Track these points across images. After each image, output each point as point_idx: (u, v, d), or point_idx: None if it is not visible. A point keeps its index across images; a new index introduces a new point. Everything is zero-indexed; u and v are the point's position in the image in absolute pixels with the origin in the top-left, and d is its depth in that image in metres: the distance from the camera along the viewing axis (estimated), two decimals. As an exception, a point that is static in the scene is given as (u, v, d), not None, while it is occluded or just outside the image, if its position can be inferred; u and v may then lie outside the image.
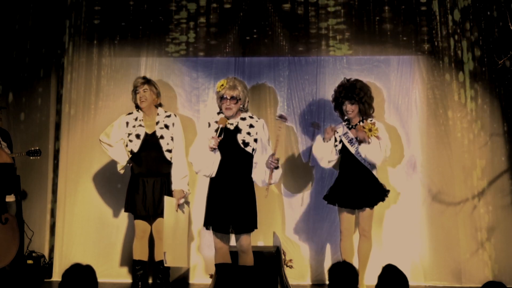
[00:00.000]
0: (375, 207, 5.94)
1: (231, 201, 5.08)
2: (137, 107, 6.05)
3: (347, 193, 5.88)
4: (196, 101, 6.82)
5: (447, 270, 6.47)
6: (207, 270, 6.49)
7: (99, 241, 6.69)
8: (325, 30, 6.77)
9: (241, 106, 5.19)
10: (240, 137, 5.14)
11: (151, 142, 5.94)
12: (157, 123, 5.99)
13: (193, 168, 5.24)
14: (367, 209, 5.88)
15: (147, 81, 6.05)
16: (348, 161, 5.94)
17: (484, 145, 6.58)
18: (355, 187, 5.86)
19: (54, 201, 6.91)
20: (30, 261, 6.59)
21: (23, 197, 6.57)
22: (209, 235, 5.65)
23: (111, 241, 6.69)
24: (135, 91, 6.02)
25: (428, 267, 6.50)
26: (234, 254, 5.22)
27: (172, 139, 5.96)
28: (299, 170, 6.67)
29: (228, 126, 5.16)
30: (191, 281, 6.61)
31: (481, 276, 6.35)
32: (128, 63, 6.90)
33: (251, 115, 5.27)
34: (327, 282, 6.41)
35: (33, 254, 6.72)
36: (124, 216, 6.60)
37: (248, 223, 5.10)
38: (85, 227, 6.71)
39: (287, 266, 6.29)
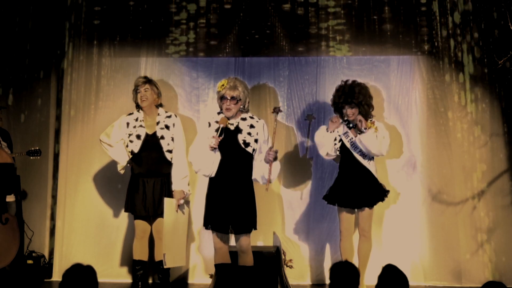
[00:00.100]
0: (375, 207, 5.94)
1: (231, 201, 5.07)
2: (138, 107, 6.05)
3: (346, 192, 5.88)
4: (196, 101, 6.83)
5: (447, 270, 6.48)
6: (207, 270, 6.49)
7: (99, 241, 6.69)
8: (325, 31, 6.78)
9: (241, 106, 5.18)
10: (240, 137, 5.14)
11: (151, 143, 5.94)
12: (158, 123, 5.99)
13: (193, 167, 5.24)
14: (366, 209, 5.89)
15: (148, 80, 6.05)
16: (348, 161, 5.94)
17: (484, 145, 6.58)
18: (355, 187, 5.87)
19: (54, 201, 6.91)
20: (30, 261, 6.59)
21: (23, 197, 6.58)
22: (208, 235, 5.65)
23: (111, 241, 6.69)
24: (136, 90, 6.02)
25: (428, 267, 6.50)
26: (233, 254, 5.22)
27: (172, 139, 5.96)
28: (299, 170, 6.67)
29: (229, 126, 5.15)
30: (191, 281, 6.61)
31: (481, 276, 6.36)
32: (128, 63, 6.90)
33: (251, 116, 5.26)
34: (327, 282, 6.45)
35: (33, 254, 6.73)
36: (124, 216, 6.60)
37: (247, 223, 5.09)
38: (85, 227, 6.71)
39: (287, 266, 6.29)
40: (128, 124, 6.02)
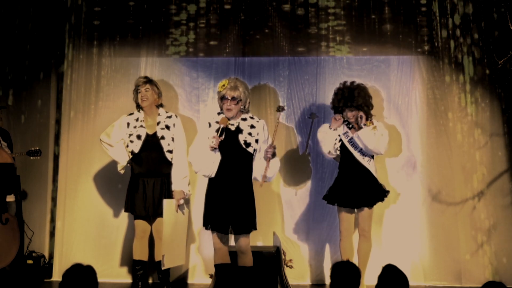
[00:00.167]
0: (375, 207, 5.94)
1: (231, 201, 5.07)
2: (138, 107, 6.05)
3: (346, 192, 5.88)
4: (196, 101, 6.83)
5: (447, 270, 6.48)
6: (207, 270, 6.49)
7: (99, 241, 6.69)
8: (325, 31, 6.78)
9: (242, 107, 5.17)
10: (241, 138, 5.14)
11: (152, 143, 5.94)
12: (158, 123, 5.99)
13: (193, 168, 5.23)
14: (366, 209, 5.88)
15: (149, 80, 6.05)
16: (347, 161, 5.94)
17: (484, 146, 6.58)
18: (354, 187, 5.87)
19: (54, 201, 6.91)
20: (30, 261, 6.59)
21: (23, 197, 6.57)
22: (208, 235, 5.64)
23: (111, 241, 6.70)
24: (136, 90, 6.02)
25: (428, 267, 6.51)
26: (233, 254, 5.22)
27: (173, 139, 5.96)
28: (299, 170, 6.67)
29: (229, 126, 5.15)
30: (190, 281, 6.61)
31: (481, 276, 6.36)
32: (128, 63, 6.90)
33: (251, 116, 5.26)
34: (327, 282, 6.45)
35: (33, 254, 6.73)
36: (124, 216, 6.60)
37: (247, 224, 5.09)
38: (85, 227, 6.71)
39: (287, 266, 6.29)
40: (128, 124, 6.02)
